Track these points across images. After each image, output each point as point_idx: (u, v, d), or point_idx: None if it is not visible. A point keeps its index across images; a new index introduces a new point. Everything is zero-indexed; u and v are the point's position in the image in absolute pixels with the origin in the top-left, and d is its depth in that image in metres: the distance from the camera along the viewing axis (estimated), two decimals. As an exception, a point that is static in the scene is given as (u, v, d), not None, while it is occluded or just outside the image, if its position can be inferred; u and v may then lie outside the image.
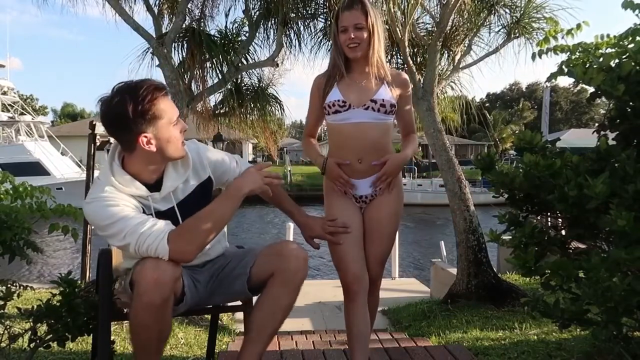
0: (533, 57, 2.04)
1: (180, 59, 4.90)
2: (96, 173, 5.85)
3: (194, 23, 5.00)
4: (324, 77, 2.17)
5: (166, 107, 1.68)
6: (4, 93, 26.55)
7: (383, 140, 2.12)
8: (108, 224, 1.64)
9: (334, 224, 2.11)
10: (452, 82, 5.63)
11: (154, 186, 1.77)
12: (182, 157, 1.79)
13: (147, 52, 4.91)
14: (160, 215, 1.74)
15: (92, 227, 5.30)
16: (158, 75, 4.77)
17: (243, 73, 5.70)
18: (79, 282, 2.09)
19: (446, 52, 5.37)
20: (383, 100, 2.07)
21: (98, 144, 5.47)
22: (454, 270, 5.32)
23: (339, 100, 2.08)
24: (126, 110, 1.60)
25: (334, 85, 2.11)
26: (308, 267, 1.88)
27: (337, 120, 2.12)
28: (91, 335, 2.04)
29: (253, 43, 5.27)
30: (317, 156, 2.23)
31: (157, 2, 5.11)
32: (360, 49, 2.05)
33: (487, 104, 51.09)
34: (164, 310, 1.62)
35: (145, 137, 1.65)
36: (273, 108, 6.16)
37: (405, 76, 2.22)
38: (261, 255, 1.89)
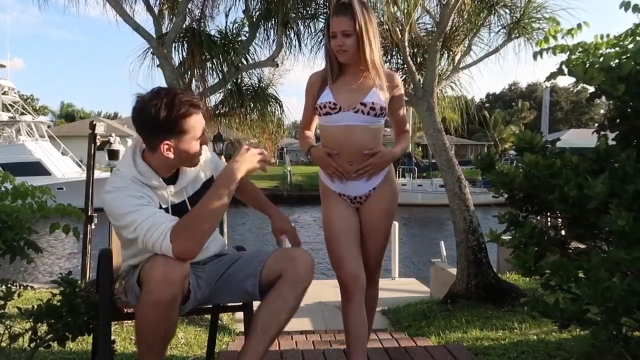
0: (534, 56, 2.04)
1: (181, 59, 4.90)
2: (97, 173, 5.86)
3: (194, 23, 4.99)
4: (318, 77, 2.18)
5: (195, 124, 1.76)
6: (5, 93, 26.51)
7: (373, 142, 2.13)
8: (123, 214, 1.67)
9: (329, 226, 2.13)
10: (452, 82, 5.64)
11: (169, 180, 1.86)
12: (195, 166, 1.89)
13: (148, 52, 4.91)
14: (174, 208, 1.82)
15: (93, 227, 5.30)
16: (158, 76, 4.78)
17: (243, 73, 5.70)
18: (79, 282, 2.09)
19: (446, 52, 5.37)
20: (373, 103, 2.08)
21: (98, 144, 5.47)
22: (453, 270, 5.33)
23: (330, 102, 2.09)
24: (158, 115, 1.68)
25: (326, 87, 2.12)
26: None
27: (328, 122, 2.14)
28: (91, 335, 2.05)
29: (253, 43, 5.27)
30: (305, 144, 2.28)
31: (157, 3, 5.11)
32: (349, 54, 2.06)
33: (487, 104, 51.06)
34: (172, 308, 1.64)
35: (167, 144, 1.73)
36: (273, 108, 6.16)
37: (397, 77, 2.23)
38: (271, 257, 1.90)
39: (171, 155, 1.75)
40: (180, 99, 1.72)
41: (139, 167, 1.78)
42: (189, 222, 1.66)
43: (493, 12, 5.04)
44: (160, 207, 1.78)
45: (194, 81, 4.96)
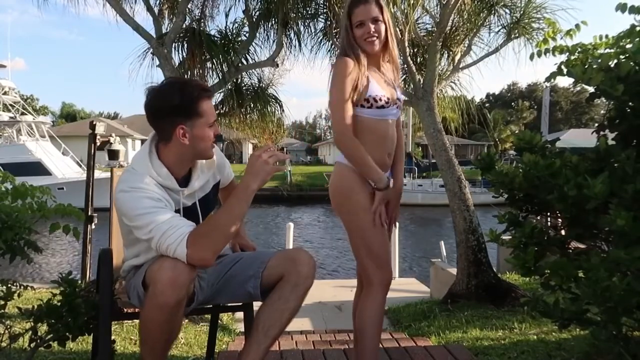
0: (531, 57, 2.05)
1: (181, 59, 4.90)
2: (97, 173, 5.86)
3: (194, 23, 4.99)
4: (354, 64, 1.98)
5: (207, 109, 1.77)
6: (5, 93, 26.50)
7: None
8: (138, 215, 1.66)
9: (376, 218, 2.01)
10: (452, 82, 5.64)
11: (182, 181, 1.85)
12: (210, 158, 1.89)
13: (148, 52, 4.91)
14: (185, 210, 1.83)
15: (93, 227, 5.30)
16: (158, 76, 4.78)
17: (243, 73, 5.70)
18: (80, 282, 2.09)
19: (446, 52, 5.37)
20: (401, 96, 2.14)
21: (98, 144, 5.47)
22: (453, 270, 5.33)
23: (384, 95, 2.01)
24: (172, 100, 1.71)
25: (368, 77, 2.00)
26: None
27: (378, 115, 2.01)
28: (91, 335, 2.05)
29: (253, 43, 5.27)
30: (379, 173, 2.00)
31: (157, 3, 5.11)
32: (379, 42, 2.02)
33: (487, 104, 51.08)
34: (177, 311, 1.64)
35: (182, 129, 1.74)
36: (273, 108, 6.16)
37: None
38: (273, 259, 1.91)
39: (187, 142, 1.75)
40: (192, 84, 1.77)
41: (156, 168, 1.77)
42: (208, 231, 1.66)
43: (493, 12, 5.05)
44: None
45: (193, 81, 4.95)
